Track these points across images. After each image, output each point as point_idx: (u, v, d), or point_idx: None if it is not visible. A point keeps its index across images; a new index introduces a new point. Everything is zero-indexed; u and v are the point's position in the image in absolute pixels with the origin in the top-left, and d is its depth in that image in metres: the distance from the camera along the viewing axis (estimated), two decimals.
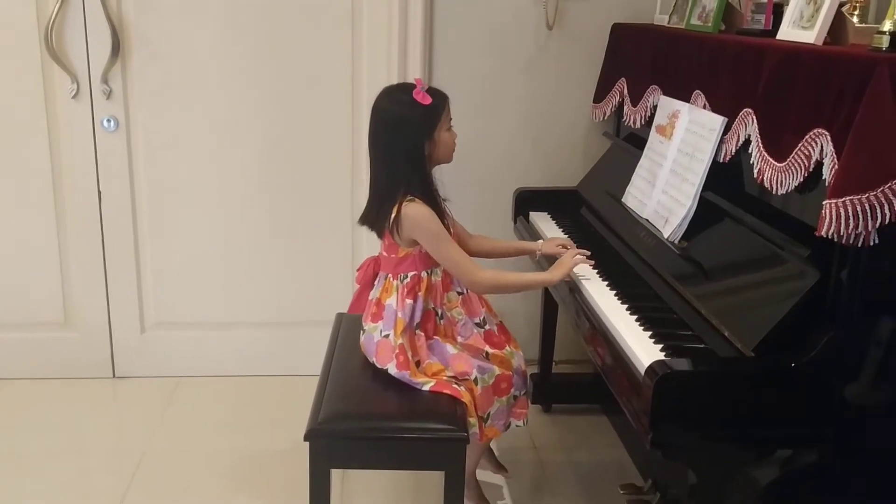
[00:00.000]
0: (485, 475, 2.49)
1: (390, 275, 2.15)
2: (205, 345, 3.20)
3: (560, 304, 2.39)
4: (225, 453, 2.71)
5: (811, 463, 1.68)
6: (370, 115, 2.10)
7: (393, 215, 2.05)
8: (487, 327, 2.23)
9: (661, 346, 1.78)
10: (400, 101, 2.06)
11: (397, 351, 2.09)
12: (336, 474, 2.54)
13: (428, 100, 2.05)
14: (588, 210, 2.72)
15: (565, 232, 2.60)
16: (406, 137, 2.05)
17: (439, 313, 2.17)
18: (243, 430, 2.86)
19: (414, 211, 2.04)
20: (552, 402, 3.01)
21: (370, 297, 2.21)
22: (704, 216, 2.03)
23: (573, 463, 2.72)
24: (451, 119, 2.13)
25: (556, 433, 2.89)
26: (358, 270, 2.29)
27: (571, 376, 3.17)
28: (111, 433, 2.87)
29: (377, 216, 2.11)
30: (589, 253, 2.24)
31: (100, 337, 3.15)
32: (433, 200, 2.08)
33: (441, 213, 2.10)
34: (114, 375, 3.20)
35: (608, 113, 2.86)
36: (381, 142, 2.08)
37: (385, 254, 2.16)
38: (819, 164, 1.61)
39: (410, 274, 2.12)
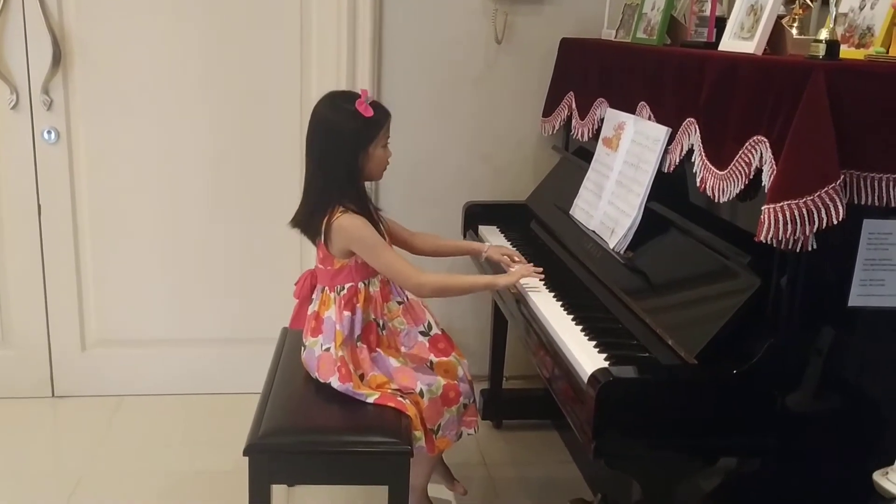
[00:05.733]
0: (437, 490, 2.45)
1: (327, 287, 2.12)
2: (148, 363, 3.12)
3: (509, 318, 2.38)
4: (166, 473, 2.64)
5: (755, 471, 1.68)
6: (310, 117, 2.07)
7: (323, 228, 2.03)
8: (433, 332, 2.20)
9: (605, 355, 1.77)
10: (342, 109, 2.04)
11: (339, 364, 2.05)
12: (281, 490, 2.49)
13: (370, 112, 2.03)
14: (537, 223, 2.71)
15: (514, 245, 2.59)
16: (342, 147, 2.03)
17: (381, 324, 2.15)
18: (186, 449, 2.79)
19: (347, 223, 2.01)
20: (502, 417, 2.99)
21: (308, 312, 2.18)
22: (649, 226, 2.03)
23: (523, 479, 2.69)
24: (388, 137, 2.11)
25: (506, 449, 2.86)
26: (295, 284, 2.25)
27: (522, 392, 3.15)
28: (50, 454, 2.78)
29: (308, 223, 2.09)
30: (542, 270, 2.22)
31: (38, 355, 3.06)
32: (365, 210, 2.06)
33: (374, 221, 2.08)
34: (53, 395, 3.10)
35: (557, 126, 2.86)
36: (318, 147, 2.06)
37: (321, 266, 2.13)
38: (759, 171, 1.61)
39: (347, 285, 2.09)
